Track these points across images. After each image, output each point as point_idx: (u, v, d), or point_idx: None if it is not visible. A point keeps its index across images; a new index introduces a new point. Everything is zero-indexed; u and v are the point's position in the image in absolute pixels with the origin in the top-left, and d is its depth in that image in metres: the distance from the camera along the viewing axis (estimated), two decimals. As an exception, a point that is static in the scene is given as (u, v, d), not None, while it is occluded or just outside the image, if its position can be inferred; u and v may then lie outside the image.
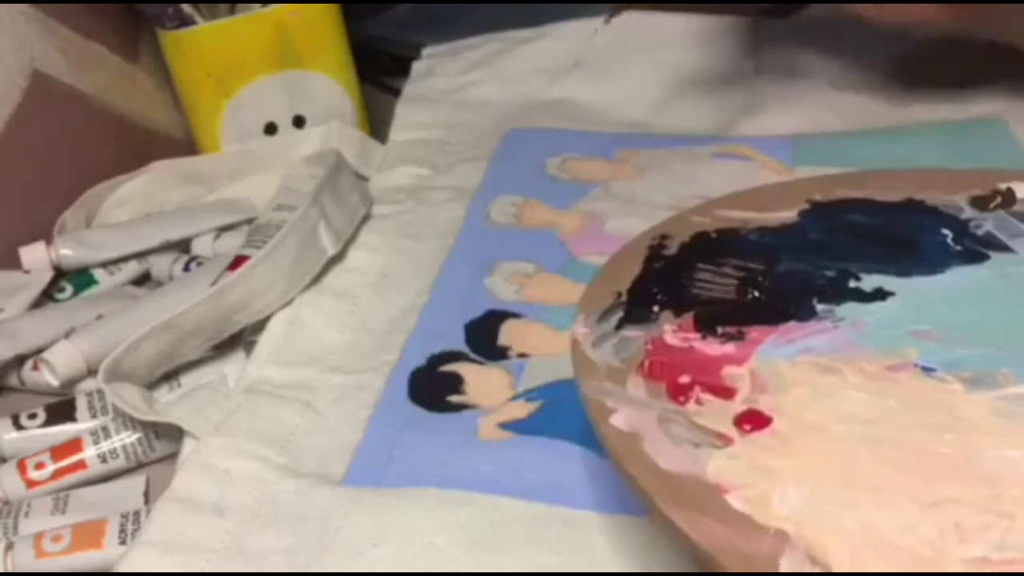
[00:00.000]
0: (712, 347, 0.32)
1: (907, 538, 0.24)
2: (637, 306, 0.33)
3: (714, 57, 0.57)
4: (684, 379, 0.30)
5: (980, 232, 0.36)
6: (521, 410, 0.36)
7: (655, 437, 0.28)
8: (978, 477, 0.26)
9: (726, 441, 0.28)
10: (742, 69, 0.56)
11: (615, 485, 0.33)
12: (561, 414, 0.36)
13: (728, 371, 0.30)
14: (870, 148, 0.48)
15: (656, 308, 0.33)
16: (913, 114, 0.51)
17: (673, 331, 0.32)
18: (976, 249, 0.35)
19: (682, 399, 0.29)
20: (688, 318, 0.33)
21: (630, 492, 0.27)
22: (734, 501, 0.26)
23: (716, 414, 0.29)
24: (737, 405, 0.29)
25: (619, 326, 0.32)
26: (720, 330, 0.32)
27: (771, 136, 0.51)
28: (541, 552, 0.31)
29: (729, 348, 0.32)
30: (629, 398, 0.29)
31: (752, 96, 0.54)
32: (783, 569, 0.23)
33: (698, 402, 0.29)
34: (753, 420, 0.28)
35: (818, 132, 0.51)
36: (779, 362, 0.31)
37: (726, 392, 0.30)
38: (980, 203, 0.37)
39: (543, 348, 0.39)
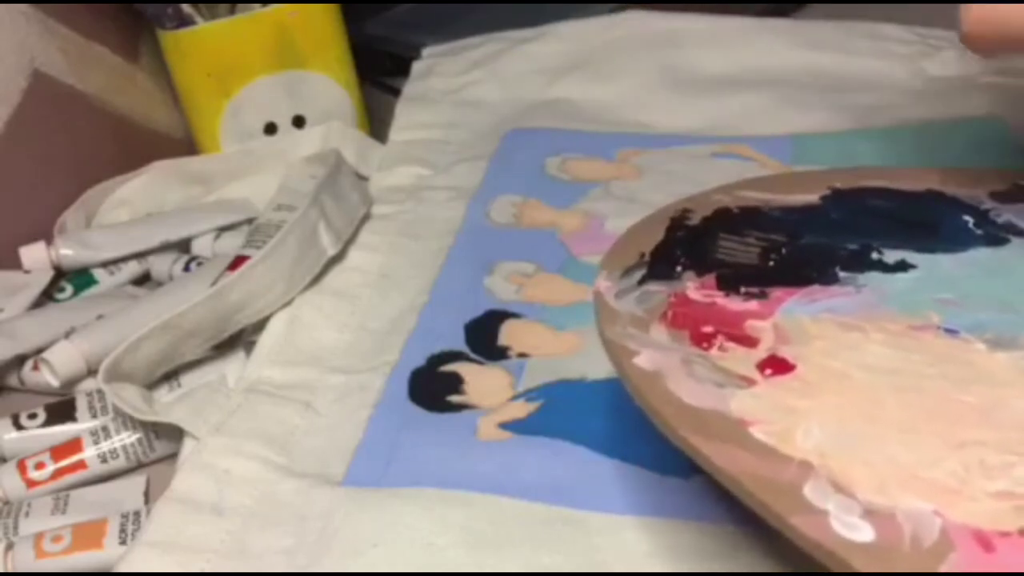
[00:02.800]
0: (735, 303, 0.32)
1: (932, 471, 0.24)
2: (660, 265, 0.33)
3: (715, 57, 0.57)
4: (707, 328, 0.30)
5: (1000, 220, 0.36)
6: (521, 410, 0.36)
7: (678, 376, 0.27)
8: (1003, 423, 0.26)
9: (749, 383, 0.28)
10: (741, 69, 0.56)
11: (615, 485, 0.33)
12: (561, 414, 0.36)
13: (751, 323, 0.30)
14: (870, 148, 0.48)
15: (679, 268, 0.33)
16: (913, 114, 0.51)
17: (696, 288, 0.32)
18: (996, 234, 0.35)
19: (705, 345, 0.29)
20: (711, 277, 0.33)
21: (652, 424, 0.27)
22: (758, 434, 0.25)
23: (739, 359, 0.29)
24: (760, 352, 0.29)
25: (641, 282, 0.32)
26: (743, 289, 0.32)
27: (771, 136, 0.51)
28: (541, 552, 0.31)
29: (752, 304, 0.31)
30: (652, 342, 0.29)
31: (752, 95, 0.54)
32: (806, 493, 0.23)
33: (721, 349, 0.29)
34: (776, 365, 0.28)
35: (818, 132, 0.51)
36: (802, 318, 0.31)
37: (749, 341, 0.30)
38: (1000, 197, 0.37)
39: (543, 348, 0.39)
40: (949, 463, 0.25)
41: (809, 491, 0.24)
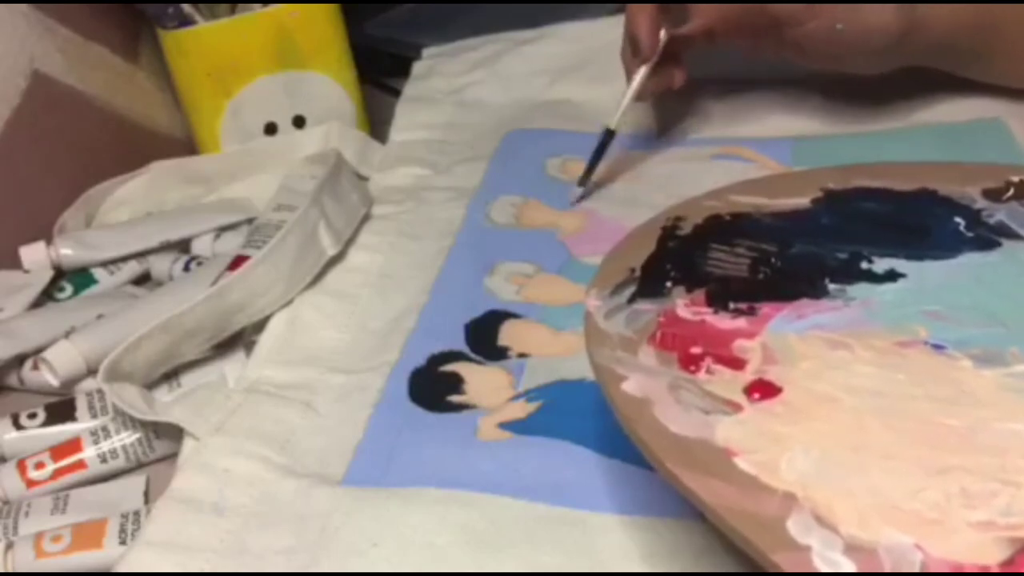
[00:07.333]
0: (724, 321, 0.32)
1: (913, 502, 0.24)
2: (650, 281, 0.33)
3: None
4: (695, 350, 0.30)
5: (992, 221, 0.36)
6: (521, 410, 0.36)
7: (665, 402, 0.28)
8: (984, 448, 0.26)
9: (735, 408, 0.28)
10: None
11: (615, 485, 0.33)
12: (561, 414, 0.36)
13: (739, 343, 0.30)
14: (870, 149, 0.48)
15: (668, 284, 0.33)
16: (913, 116, 0.51)
17: (685, 305, 0.32)
18: (988, 236, 0.35)
19: (693, 368, 0.29)
20: (700, 293, 0.33)
21: (640, 453, 0.27)
22: (742, 464, 0.26)
23: (726, 383, 0.29)
24: (747, 375, 0.29)
25: (631, 300, 0.32)
26: (732, 305, 0.32)
27: (771, 137, 0.51)
28: (541, 552, 0.31)
29: (741, 322, 0.31)
30: (640, 366, 0.29)
31: (753, 97, 0.54)
32: (789, 528, 0.23)
33: (709, 372, 0.29)
34: (763, 389, 0.28)
35: (818, 134, 0.51)
36: (790, 336, 0.31)
37: (737, 363, 0.30)
38: (993, 195, 0.37)
39: (543, 348, 0.39)
40: (931, 492, 0.25)
41: (792, 526, 0.24)
